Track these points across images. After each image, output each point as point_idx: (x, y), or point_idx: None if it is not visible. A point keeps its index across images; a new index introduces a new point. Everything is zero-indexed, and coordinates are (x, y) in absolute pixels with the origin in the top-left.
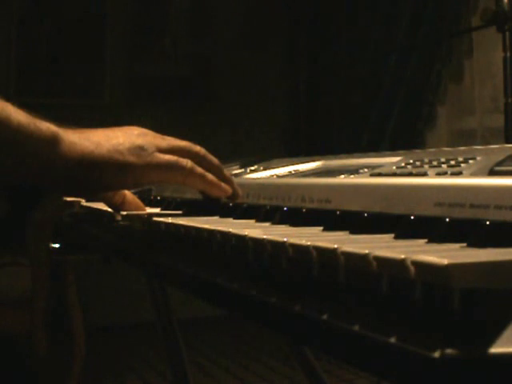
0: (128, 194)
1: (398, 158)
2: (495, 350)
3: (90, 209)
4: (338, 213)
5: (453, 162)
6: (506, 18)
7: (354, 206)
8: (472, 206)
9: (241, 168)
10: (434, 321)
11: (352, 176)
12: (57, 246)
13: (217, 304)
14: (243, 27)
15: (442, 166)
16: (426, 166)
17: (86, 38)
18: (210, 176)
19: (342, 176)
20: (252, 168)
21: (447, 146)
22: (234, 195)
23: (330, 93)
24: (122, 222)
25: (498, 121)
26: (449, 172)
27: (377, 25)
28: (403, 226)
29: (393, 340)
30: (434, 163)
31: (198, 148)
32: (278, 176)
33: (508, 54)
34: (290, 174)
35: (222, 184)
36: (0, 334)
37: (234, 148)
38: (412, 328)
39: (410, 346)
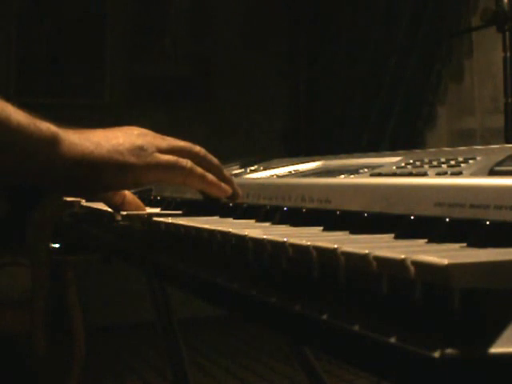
0: (128, 194)
1: (397, 158)
2: (495, 349)
3: (90, 209)
4: (337, 213)
5: (453, 162)
6: (506, 18)
7: (354, 206)
8: (472, 206)
9: (241, 168)
10: (434, 321)
11: (352, 176)
12: (57, 246)
13: (217, 304)
14: (243, 27)
15: (442, 166)
16: (426, 166)
17: (86, 37)
18: (209, 176)
19: (342, 176)
20: (252, 168)
21: (447, 146)
22: (234, 195)
23: (329, 93)
24: (122, 222)
25: (498, 121)
26: (449, 172)
27: (377, 25)
28: (403, 226)
29: (393, 340)
30: (434, 163)
31: (197, 148)
32: (278, 176)
33: (508, 54)
34: (290, 174)
35: (222, 184)
36: (0, 334)
37: (234, 148)
38: (412, 328)
39: (409, 346)
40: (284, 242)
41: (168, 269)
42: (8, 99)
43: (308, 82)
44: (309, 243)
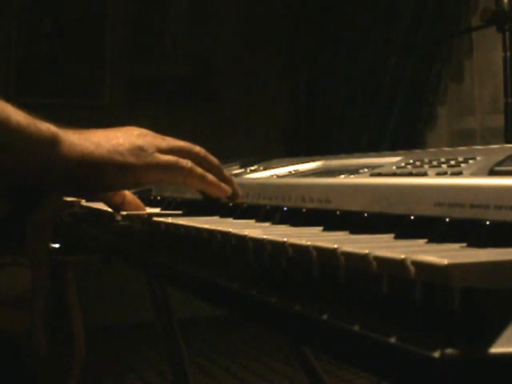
0: (128, 194)
1: (397, 158)
2: (495, 349)
3: (90, 209)
4: (337, 213)
5: (453, 162)
6: (506, 18)
7: (353, 206)
8: (472, 206)
9: (241, 168)
10: (434, 321)
11: (352, 176)
12: (57, 246)
13: (217, 304)
14: (243, 27)
15: (442, 165)
16: (426, 166)
17: (86, 38)
18: (209, 176)
19: (342, 176)
20: (252, 168)
21: (447, 146)
22: (234, 195)
23: (329, 93)
24: (122, 222)
25: (498, 121)
26: (449, 172)
27: (377, 25)
28: (403, 226)
29: (393, 340)
30: (434, 163)
31: (197, 148)
32: (278, 176)
33: (508, 54)
34: (290, 174)
35: (222, 184)
36: (0, 334)
37: (234, 148)
38: (412, 328)
39: (409, 346)
40: (284, 242)
41: (168, 269)
42: (8, 99)
43: (308, 82)
44: (309, 243)
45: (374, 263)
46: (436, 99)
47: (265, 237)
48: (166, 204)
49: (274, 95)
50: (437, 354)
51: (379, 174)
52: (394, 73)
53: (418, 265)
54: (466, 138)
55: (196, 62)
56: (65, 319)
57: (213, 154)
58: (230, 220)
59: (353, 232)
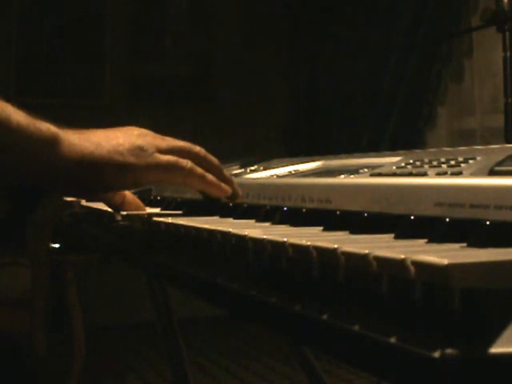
0: (128, 194)
1: (397, 158)
2: (495, 349)
3: (90, 209)
4: (337, 213)
5: (453, 162)
6: (506, 18)
7: (353, 206)
8: (472, 206)
9: (241, 168)
10: (434, 321)
11: (352, 176)
12: (57, 246)
13: (217, 304)
14: (243, 27)
15: (442, 165)
16: (426, 166)
17: (86, 37)
18: (209, 176)
19: (342, 176)
20: (252, 168)
21: (447, 146)
22: (234, 195)
23: (329, 93)
24: (122, 222)
25: (498, 121)
26: (449, 172)
27: (377, 25)
28: (403, 226)
29: (393, 340)
30: (434, 163)
31: (197, 148)
32: (278, 176)
33: (508, 54)
34: (290, 174)
35: (222, 184)
36: (0, 334)
37: (234, 148)
38: (412, 328)
39: (409, 346)
40: (284, 242)
41: (168, 269)
42: (8, 99)
43: (308, 82)
44: (309, 243)
45: (374, 263)
46: (436, 99)
47: (265, 237)
48: (165, 204)
49: (274, 95)
50: (437, 354)
51: (379, 174)
52: (394, 73)
53: (418, 265)
54: (466, 137)
55: (196, 62)
56: (65, 319)
57: (213, 154)
58: (230, 220)
59: (353, 232)
